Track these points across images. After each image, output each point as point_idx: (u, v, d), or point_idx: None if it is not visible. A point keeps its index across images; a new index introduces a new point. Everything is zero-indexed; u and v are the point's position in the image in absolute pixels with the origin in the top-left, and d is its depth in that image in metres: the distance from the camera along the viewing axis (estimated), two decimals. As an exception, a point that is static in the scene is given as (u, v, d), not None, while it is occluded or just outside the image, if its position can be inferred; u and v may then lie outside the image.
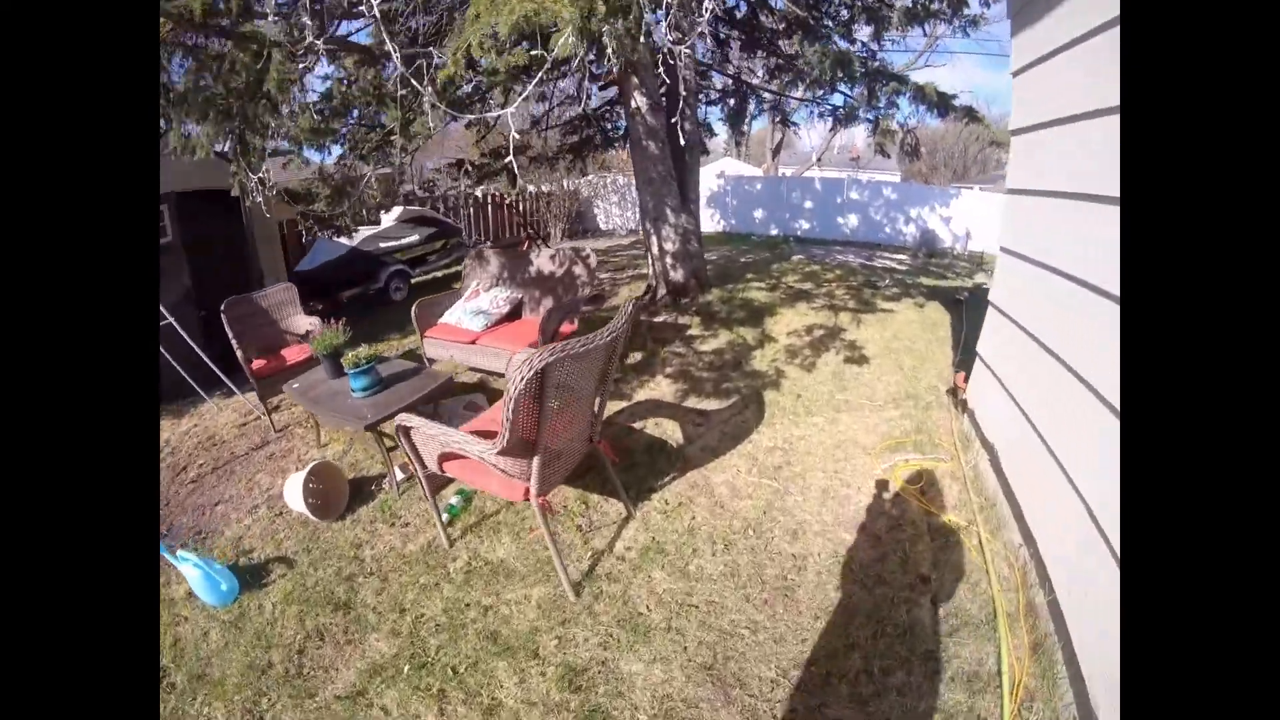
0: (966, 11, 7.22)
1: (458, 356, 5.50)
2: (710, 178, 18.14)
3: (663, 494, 3.78)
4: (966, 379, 4.98)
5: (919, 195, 17.55)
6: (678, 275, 8.27)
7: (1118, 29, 2.22)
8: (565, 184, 18.25)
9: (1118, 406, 2.11)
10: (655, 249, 8.21)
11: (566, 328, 5.45)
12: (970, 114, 8.32)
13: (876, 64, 8.68)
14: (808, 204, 17.63)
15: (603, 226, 20.24)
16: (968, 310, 8.70)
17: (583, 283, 5.81)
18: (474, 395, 5.01)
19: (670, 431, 4.67)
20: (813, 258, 12.94)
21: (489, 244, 12.21)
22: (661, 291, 8.33)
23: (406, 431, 3.01)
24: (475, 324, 5.59)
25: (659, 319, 7.62)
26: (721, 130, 12.20)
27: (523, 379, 2.35)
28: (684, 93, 5.91)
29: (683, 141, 6.07)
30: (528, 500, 2.83)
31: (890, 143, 9.87)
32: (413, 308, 5.67)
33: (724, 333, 7.05)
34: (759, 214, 18.45)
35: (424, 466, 3.18)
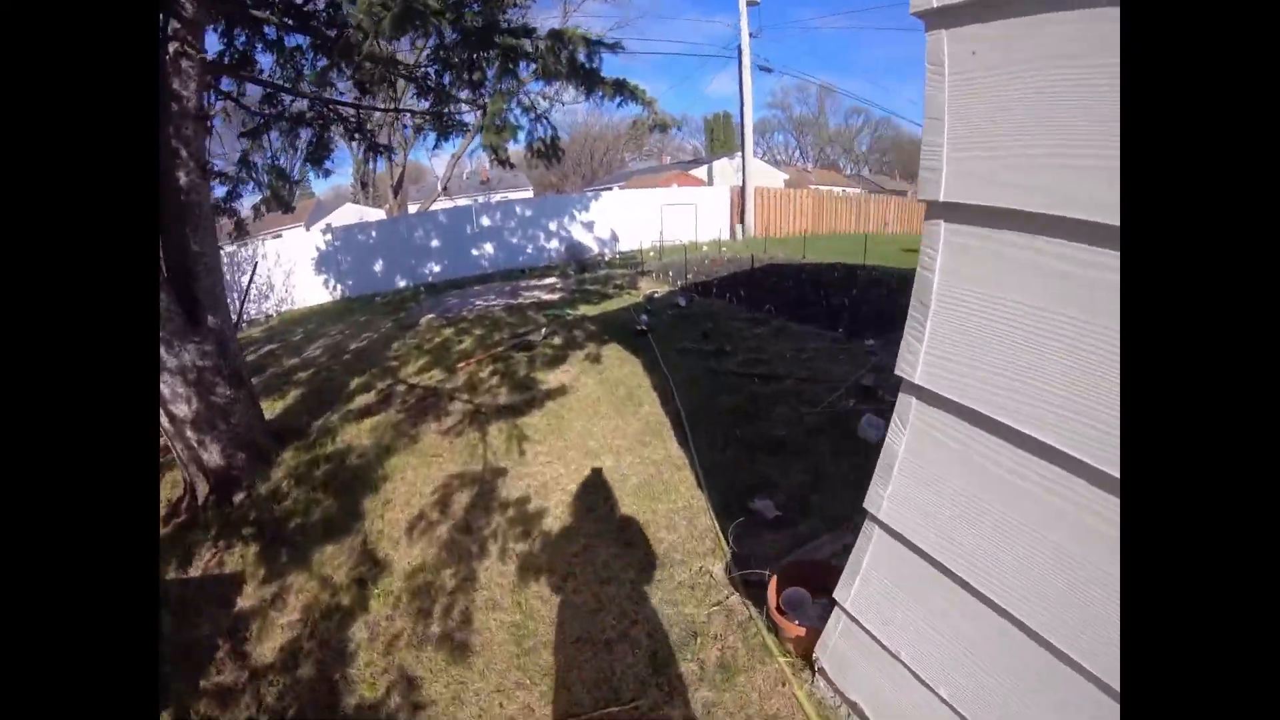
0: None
1: None
2: (315, 236, 14.13)
3: None
4: (779, 584, 2.48)
5: (556, 207, 15.58)
6: (213, 457, 4.43)
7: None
8: None
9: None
10: (165, 420, 4.39)
11: None
12: (622, 88, 5.92)
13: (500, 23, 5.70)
14: (435, 242, 14.45)
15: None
16: (660, 346, 6.47)
17: None
18: None
19: None
20: (448, 312, 9.91)
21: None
22: (203, 491, 4.52)
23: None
24: None
25: (195, 568, 3.81)
26: (312, 175, 8.34)
27: None
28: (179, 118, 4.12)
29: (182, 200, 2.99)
30: None
31: (502, 144, 7.21)
32: None
33: (297, 575, 3.45)
34: (379, 267, 14.72)
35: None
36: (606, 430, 4.74)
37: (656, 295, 9.91)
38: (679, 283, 10.82)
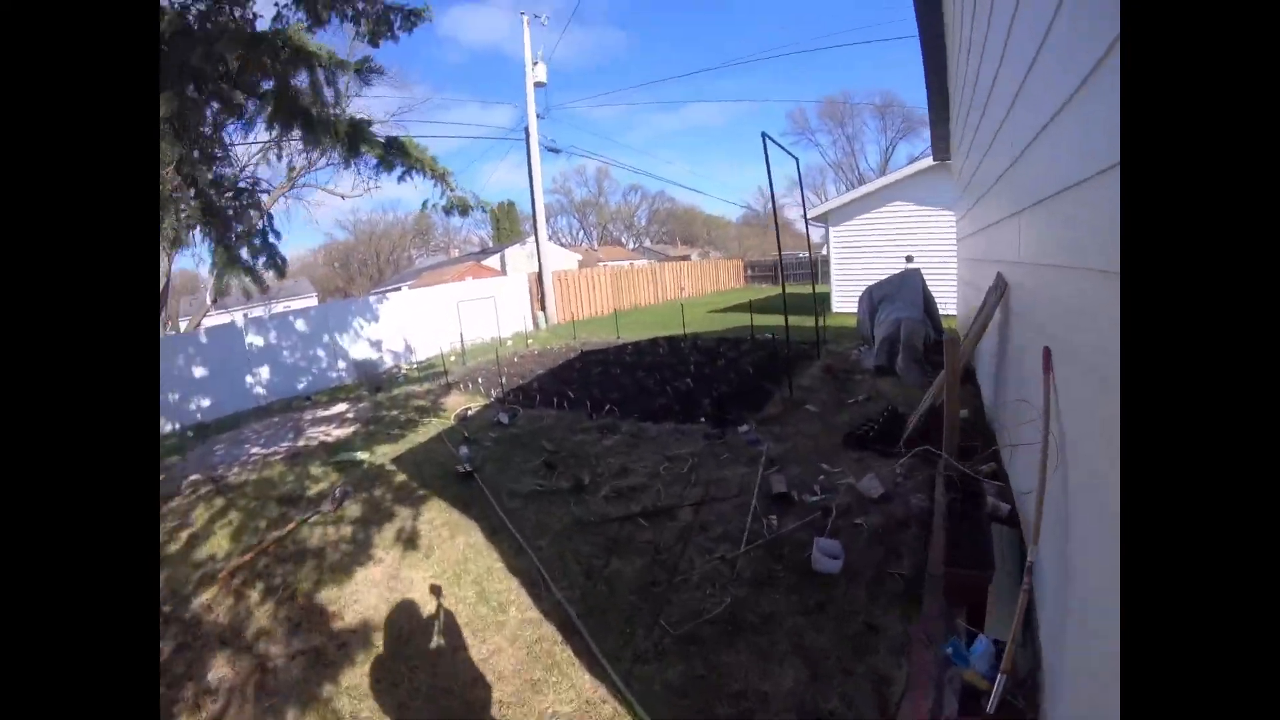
0: None
1: None
2: None
3: None
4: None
5: (339, 317, 13.49)
6: None
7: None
8: None
9: None
10: None
11: None
12: (396, 149, 4.65)
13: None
14: (200, 371, 11.52)
15: None
16: (496, 492, 5.12)
17: None
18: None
19: None
20: (214, 470, 7.40)
21: None
22: None
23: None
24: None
25: None
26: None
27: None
28: None
29: None
30: None
31: (234, 273, 5.63)
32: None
33: None
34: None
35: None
36: (463, 675, 3.22)
37: (471, 413, 8.45)
38: (493, 392, 9.38)
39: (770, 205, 61.93)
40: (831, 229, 15.72)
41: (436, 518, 4.97)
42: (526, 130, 18.36)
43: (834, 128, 54.13)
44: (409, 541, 4.63)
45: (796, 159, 10.08)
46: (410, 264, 53.15)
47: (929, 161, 13.45)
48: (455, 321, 15.31)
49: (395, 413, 8.95)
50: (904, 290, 9.25)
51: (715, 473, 5.28)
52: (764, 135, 7.35)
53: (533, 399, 8.59)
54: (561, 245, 47.79)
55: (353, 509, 5.34)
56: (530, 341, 15.28)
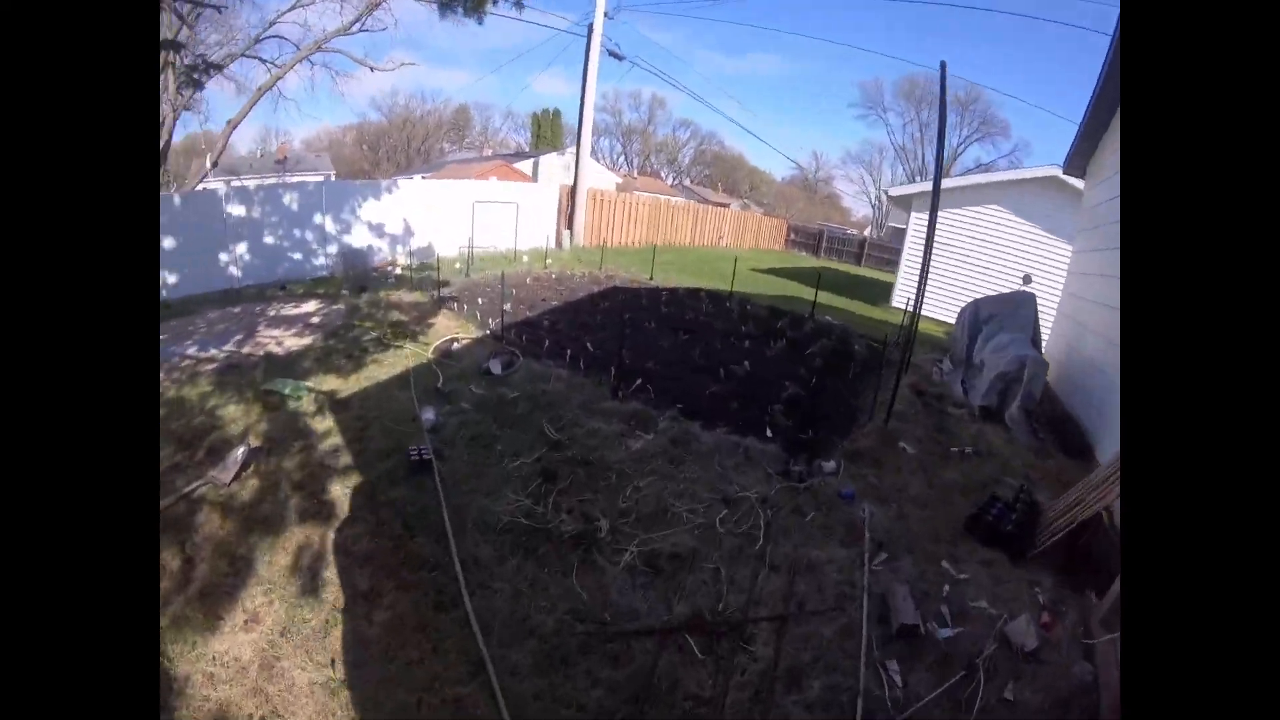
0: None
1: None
2: None
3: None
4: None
5: (337, 196, 11.45)
6: None
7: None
8: None
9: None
10: None
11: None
12: None
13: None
14: (169, 242, 9.58)
15: None
16: (459, 508, 3.35)
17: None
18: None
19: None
20: None
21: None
22: None
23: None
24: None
25: None
26: None
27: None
28: None
29: None
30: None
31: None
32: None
33: None
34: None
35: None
36: None
37: (458, 346, 6.63)
38: (491, 322, 7.49)
39: (815, 174, 58.86)
40: (914, 215, 13.56)
41: (359, 546, 3.20)
42: (590, 27, 15.86)
43: (908, 109, 50.70)
44: (305, 591, 2.87)
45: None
46: (443, 156, 50.36)
47: (1048, 171, 11.67)
48: (469, 224, 13.26)
49: (368, 325, 7.12)
50: (1017, 317, 7.37)
51: (801, 547, 3.53)
52: (942, 64, 5.41)
53: (539, 344, 6.73)
54: (600, 165, 45.10)
55: (249, 487, 3.55)
56: (549, 261, 13.25)
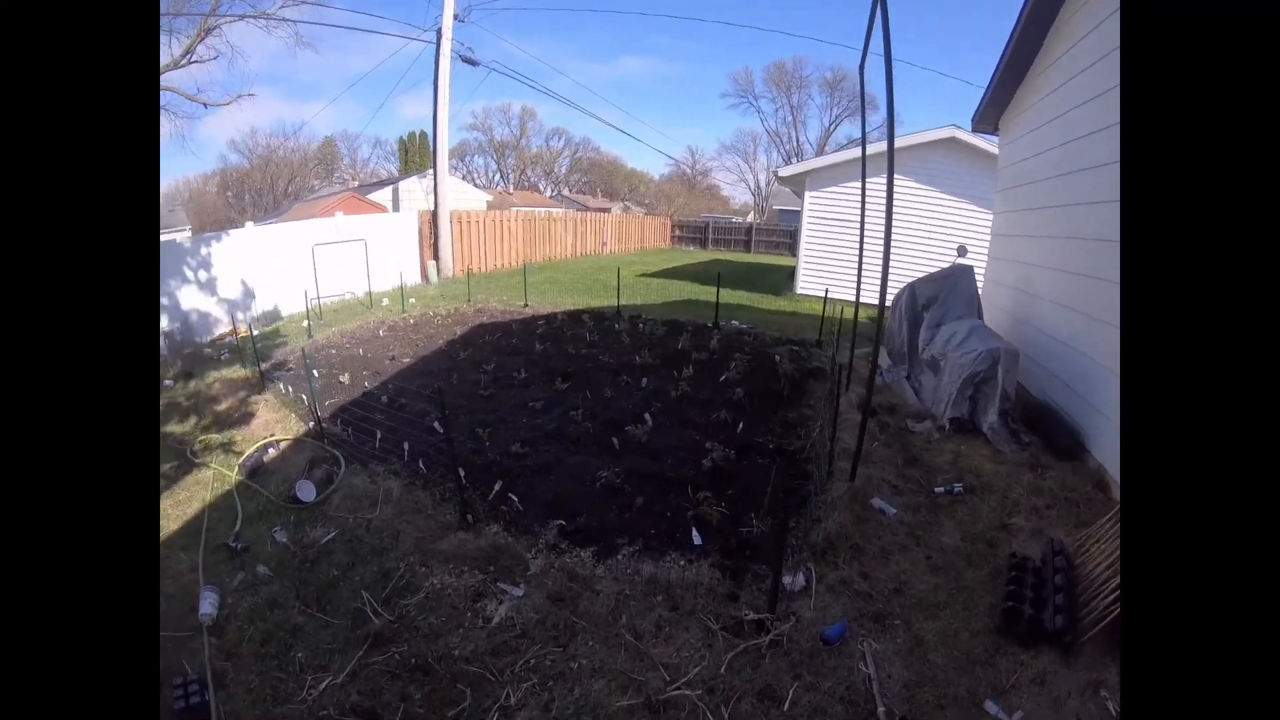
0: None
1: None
2: None
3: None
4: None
5: (171, 259, 8.81)
6: None
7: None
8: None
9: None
10: None
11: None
12: None
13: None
14: None
15: None
16: None
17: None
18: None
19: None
20: None
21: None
22: None
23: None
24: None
25: None
26: None
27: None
28: None
29: None
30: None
31: None
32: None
33: None
34: None
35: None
36: None
37: (273, 454, 4.75)
38: (318, 412, 5.38)
39: (694, 166, 58.96)
40: (808, 195, 12.44)
41: None
42: (439, 32, 13.88)
43: (779, 95, 51.20)
44: None
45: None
46: (314, 193, 46.51)
47: (948, 132, 11.05)
48: (313, 270, 10.98)
49: (183, 431, 5.13)
50: (958, 294, 6.21)
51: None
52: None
53: (373, 434, 4.88)
54: (476, 186, 42.38)
55: None
56: (412, 302, 11.22)
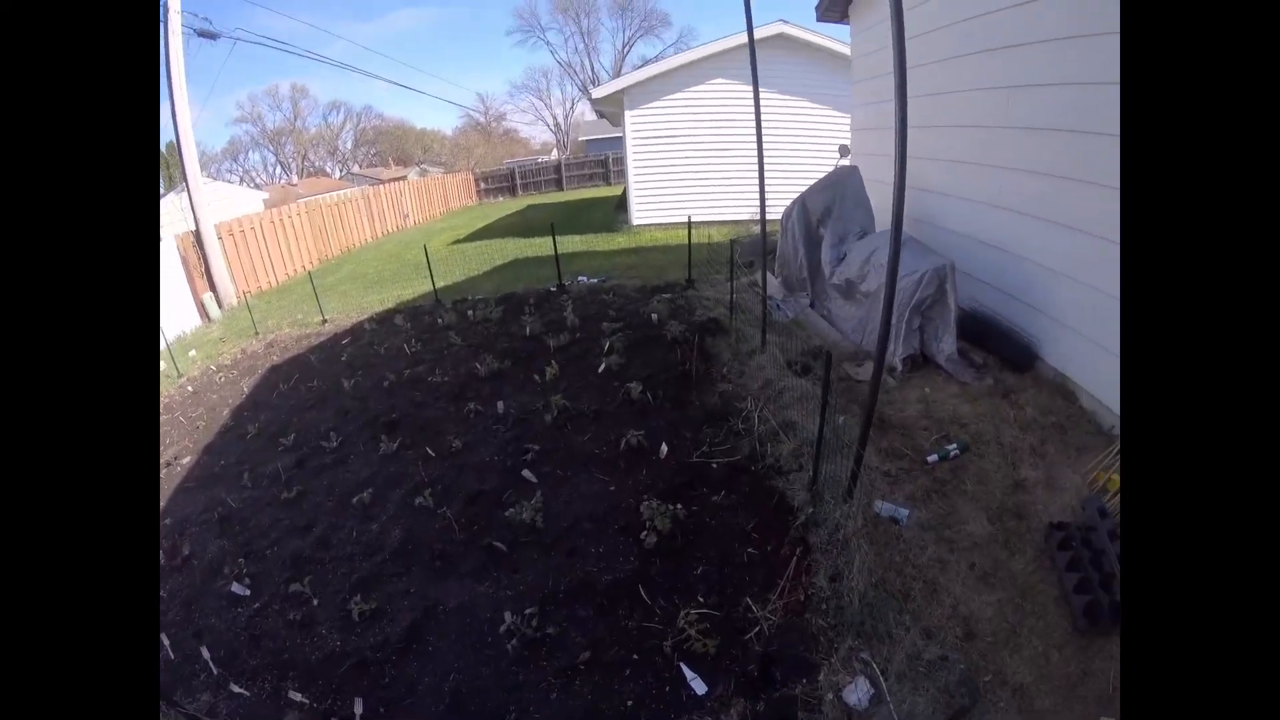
0: None
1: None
2: None
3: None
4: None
5: None
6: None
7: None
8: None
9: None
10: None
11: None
12: None
13: None
14: None
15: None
16: None
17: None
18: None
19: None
20: None
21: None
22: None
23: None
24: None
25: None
26: None
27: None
28: None
29: None
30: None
31: None
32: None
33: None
34: None
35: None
36: None
37: None
38: None
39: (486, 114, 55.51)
40: (628, 114, 11.08)
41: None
42: (163, 4, 10.47)
43: (566, 24, 48.26)
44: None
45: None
46: None
47: (775, 29, 10.26)
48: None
49: None
50: (850, 202, 5.38)
51: None
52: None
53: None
54: (254, 186, 36.66)
55: None
56: (193, 355, 8.75)
